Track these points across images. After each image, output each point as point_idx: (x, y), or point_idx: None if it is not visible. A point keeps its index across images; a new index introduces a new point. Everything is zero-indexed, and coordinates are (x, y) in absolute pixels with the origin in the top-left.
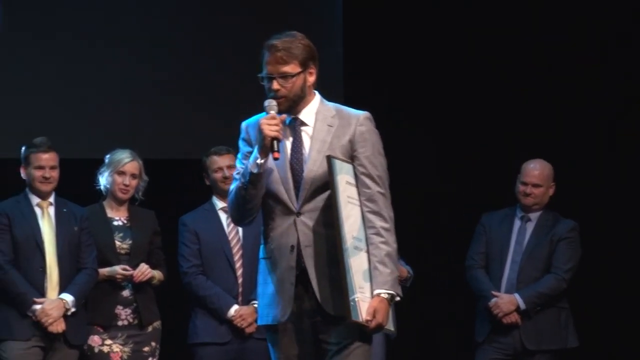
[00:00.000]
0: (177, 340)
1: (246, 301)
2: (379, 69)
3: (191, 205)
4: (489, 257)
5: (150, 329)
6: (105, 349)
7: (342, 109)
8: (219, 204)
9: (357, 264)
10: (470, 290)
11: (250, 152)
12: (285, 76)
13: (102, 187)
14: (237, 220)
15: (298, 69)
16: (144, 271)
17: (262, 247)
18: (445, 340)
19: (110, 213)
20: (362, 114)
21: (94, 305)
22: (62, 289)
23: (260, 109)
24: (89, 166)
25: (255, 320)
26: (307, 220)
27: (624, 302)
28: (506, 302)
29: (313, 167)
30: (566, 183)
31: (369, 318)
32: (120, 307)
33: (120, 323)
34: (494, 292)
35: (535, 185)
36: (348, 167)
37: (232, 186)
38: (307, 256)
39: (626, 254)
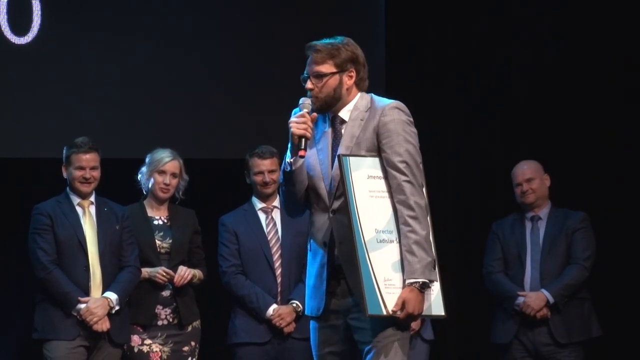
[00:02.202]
0: (217, 339)
1: (285, 301)
2: None
3: (231, 205)
4: (507, 262)
5: (189, 328)
6: (145, 348)
7: (374, 100)
8: (259, 204)
9: (383, 257)
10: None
11: None
12: (318, 76)
13: (142, 187)
14: (286, 212)
15: (332, 70)
16: (184, 275)
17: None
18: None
19: (150, 212)
20: (388, 104)
21: (134, 305)
22: (105, 287)
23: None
24: (130, 166)
25: (294, 320)
26: (341, 217)
27: None
28: (535, 299)
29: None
30: (572, 179)
31: (394, 309)
32: (160, 307)
33: (160, 323)
34: (520, 293)
35: (529, 180)
36: (370, 160)
37: None
38: (342, 253)
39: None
